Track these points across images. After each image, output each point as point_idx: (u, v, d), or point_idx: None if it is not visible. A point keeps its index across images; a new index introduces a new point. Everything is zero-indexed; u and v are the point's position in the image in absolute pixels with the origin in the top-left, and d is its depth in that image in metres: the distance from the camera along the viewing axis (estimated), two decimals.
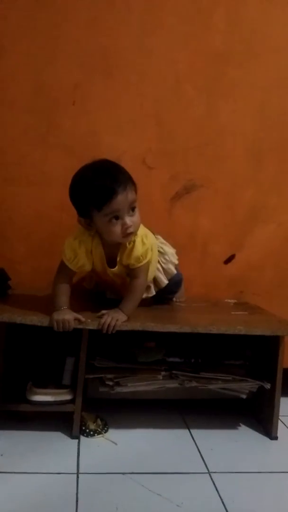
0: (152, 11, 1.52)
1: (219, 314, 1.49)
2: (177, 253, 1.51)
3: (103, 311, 1.29)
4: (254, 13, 1.57)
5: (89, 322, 1.27)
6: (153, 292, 1.44)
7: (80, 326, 1.27)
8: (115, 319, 1.26)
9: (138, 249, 1.28)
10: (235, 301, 1.68)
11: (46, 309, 1.30)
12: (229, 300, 1.68)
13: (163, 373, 1.39)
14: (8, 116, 1.52)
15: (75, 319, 1.26)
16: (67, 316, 1.25)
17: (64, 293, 1.30)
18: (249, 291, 1.71)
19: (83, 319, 1.27)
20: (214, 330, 1.32)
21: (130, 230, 1.21)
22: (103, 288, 1.48)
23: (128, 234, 1.22)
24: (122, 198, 1.18)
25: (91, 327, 1.27)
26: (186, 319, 1.36)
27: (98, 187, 1.18)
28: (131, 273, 1.32)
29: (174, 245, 1.54)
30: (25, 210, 1.56)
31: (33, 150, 1.54)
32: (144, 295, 1.40)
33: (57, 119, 1.53)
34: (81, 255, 1.27)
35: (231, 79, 1.59)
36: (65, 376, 1.36)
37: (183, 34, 1.54)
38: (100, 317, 1.27)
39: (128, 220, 1.20)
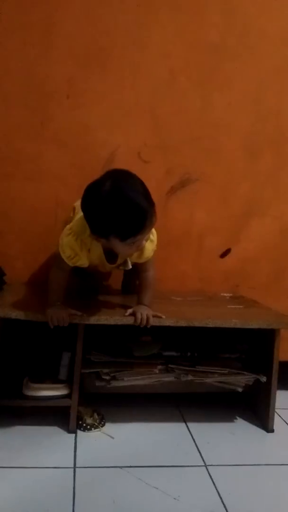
0: (147, 4, 1.51)
1: (215, 308, 1.49)
2: (172, 247, 1.50)
3: (130, 310, 1.30)
4: (249, 5, 1.56)
5: (85, 317, 1.27)
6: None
7: (76, 321, 1.27)
8: (145, 313, 1.28)
9: (148, 250, 1.29)
10: (231, 294, 1.68)
11: (42, 304, 1.30)
12: (225, 294, 1.68)
13: (159, 367, 1.39)
14: (1, 111, 1.50)
15: (70, 314, 1.25)
16: (61, 312, 1.25)
17: (59, 288, 1.30)
18: (245, 284, 1.71)
19: (78, 313, 1.26)
20: (210, 323, 1.32)
21: (142, 247, 1.22)
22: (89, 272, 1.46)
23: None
24: (147, 231, 1.16)
25: (86, 322, 1.27)
26: (182, 313, 1.36)
27: (127, 223, 1.11)
28: (141, 266, 1.35)
29: (169, 239, 1.54)
30: (20, 205, 1.56)
31: (27, 145, 1.53)
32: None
33: (51, 113, 1.52)
34: (81, 254, 1.25)
35: (226, 72, 1.58)
36: (61, 371, 1.36)
37: (178, 27, 1.53)
38: (132, 314, 1.29)
39: (144, 241, 1.20)
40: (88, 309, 1.30)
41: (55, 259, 1.31)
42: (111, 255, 1.30)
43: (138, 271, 1.37)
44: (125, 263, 1.34)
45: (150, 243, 1.29)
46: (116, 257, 1.31)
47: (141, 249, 1.26)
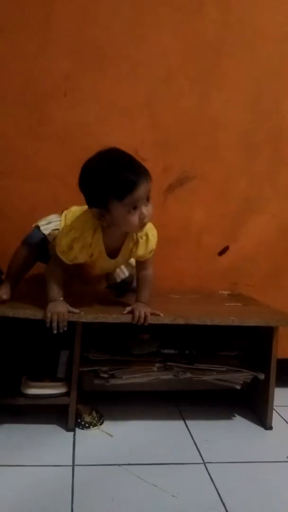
0: (144, 1, 1.50)
1: (213, 306, 1.50)
2: (170, 245, 1.51)
3: (128, 308, 1.30)
4: (247, 2, 1.56)
5: (83, 315, 1.26)
6: (125, 274, 1.47)
7: (74, 319, 1.26)
8: (143, 311, 1.28)
9: (152, 242, 1.31)
10: (229, 292, 1.68)
11: (39, 302, 1.30)
12: (223, 292, 1.68)
13: (157, 364, 1.39)
14: None
15: (69, 311, 1.25)
16: (61, 309, 1.24)
17: (57, 285, 1.29)
18: (243, 282, 1.72)
19: (77, 311, 1.26)
20: (208, 321, 1.32)
21: (146, 220, 1.21)
22: (80, 279, 1.46)
23: (144, 224, 1.22)
24: (143, 188, 1.17)
25: (84, 320, 1.27)
26: (180, 311, 1.36)
27: (122, 177, 1.15)
28: (141, 265, 1.35)
29: (168, 237, 1.54)
30: (18, 203, 1.55)
31: (24, 143, 1.53)
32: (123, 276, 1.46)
33: (48, 111, 1.52)
34: (76, 249, 1.25)
35: (224, 69, 1.58)
36: (59, 369, 1.36)
37: (175, 24, 1.53)
38: (130, 312, 1.29)
39: (144, 210, 1.20)
40: (86, 307, 1.30)
41: (52, 255, 1.30)
42: (112, 251, 1.30)
43: (137, 269, 1.38)
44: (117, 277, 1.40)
45: (153, 237, 1.30)
46: (117, 252, 1.31)
47: (144, 241, 1.28)
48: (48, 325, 1.23)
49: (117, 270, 1.46)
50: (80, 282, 1.45)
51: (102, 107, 1.54)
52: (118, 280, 1.48)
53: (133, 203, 1.17)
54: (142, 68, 1.54)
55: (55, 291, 1.28)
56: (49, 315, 1.23)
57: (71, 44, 1.49)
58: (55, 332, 1.23)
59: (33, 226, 1.36)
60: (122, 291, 1.49)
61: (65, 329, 1.24)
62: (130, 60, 1.53)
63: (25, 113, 1.51)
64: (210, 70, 1.57)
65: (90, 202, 1.22)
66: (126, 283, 1.48)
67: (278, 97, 1.62)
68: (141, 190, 1.16)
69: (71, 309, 1.26)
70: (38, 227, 1.35)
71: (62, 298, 1.28)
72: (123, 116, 1.55)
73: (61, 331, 1.24)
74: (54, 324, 1.23)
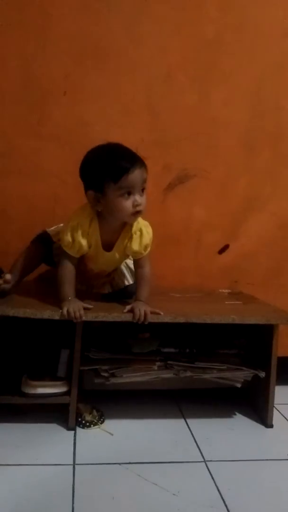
0: None
1: (214, 304, 1.49)
2: (171, 244, 1.51)
3: (128, 306, 1.30)
4: (246, 1, 1.55)
5: (88, 314, 1.27)
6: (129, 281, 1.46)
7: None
8: (143, 309, 1.28)
9: (146, 238, 1.32)
10: (229, 290, 1.68)
11: (40, 301, 1.30)
12: (223, 290, 1.68)
13: (158, 363, 1.39)
14: None
15: (84, 308, 1.26)
16: (76, 305, 1.25)
17: (69, 285, 1.30)
18: (243, 280, 1.71)
19: (90, 306, 1.28)
20: (208, 320, 1.32)
21: (140, 208, 1.24)
22: (85, 284, 1.47)
23: (137, 212, 1.25)
24: (138, 174, 1.22)
25: (85, 319, 1.27)
26: (181, 309, 1.35)
27: (118, 161, 1.21)
28: (138, 263, 1.37)
29: (168, 236, 1.54)
30: (17, 202, 1.55)
31: (24, 142, 1.52)
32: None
33: (48, 109, 1.52)
34: (77, 237, 1.27)
35: (223, 68, 1.58)
36: (60, 368, 1.35)
37: (175, 22, 1.53)
38: (131, 311, 1.29)
39: (139, 198, 1.23)
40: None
41: (61, 254, 1.31)
42: (108, 244, 1.32)
43: (134, 267, 1.39)
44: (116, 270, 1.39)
45: (147, 234, 1.32)
46: (112, 245, 1.32)
47: (138, 236, 1.30)
48: (66, 317, 1.24)
49: (121, 276, 1.46)
50: (84, 286, 1.46)
51: (102, 106, 1.53)
52: (122, 285, 1.47)
53: (127, 187, 1.21)
54: (142, 67, 1.54)
55: (67, 291, 1.29)
56: (65, 310, 1.24)
57: (71, 43, 1.49)
58: (76, 321, 1.25)
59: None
60: (126, 298, 1.49)
61: (83, 319, 1.25)
62: (130, 59, 1.53)
63: (25, 112, 1.51)
64: (210, 68, 1.57)
65: (87, 185, 1.26)
66: (130, 292, 1.45)
67: (278, 95, 1.62)
68: (136, 175, 1.21)
69: (85, 305, 1.27)
70: (45, 230, 1.41)
71: (75, 297, 1.29)
72: (123, 114, 1.55)
73: (79, 320, 1.25)
74: (73, 315, 1.24)
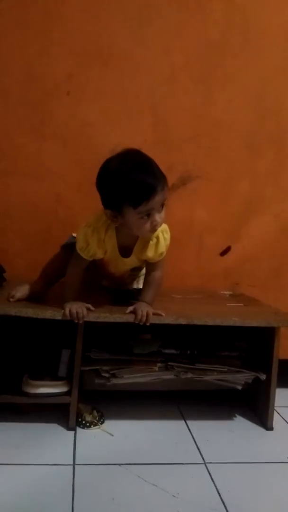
0: (147, 0, 1.50)
1: (215, 306, 1.49)
2: (173, 245, 1.50)
3: (130, 307, 1.30)
4: (251, 2, 1.55)
5: (90, 315, 1.27)
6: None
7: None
8: (145, 310, 1.27)
9: (162, 245, 1.31)
10: (231, 292, 1.68)
11: (42, 301, 1.30)
12: (224, 292, 1.68)
13: (159, 364, 1.39)
14: (1, 107, 1.50)
15: (86, 308, 1.27)
16: (79, 306, 1.26)
17: (74, 284, 1.31)
18: (244, 282, 1.71)
19: (92, 308, 1.28)
20: (210, 321, 1.32)
21: (158, 226, 1.23)
22: (101, 278, 1.48)
23: (155, 230, 1.23)
24: (159, 198, 1.17)
25: (86, 319, 1.27)
26: (182, 311, 1.35)
27: (138, 185, 1.14)
28: (151, 266, 1.36)
29: (170, 237, 1.53)
30: (20, 202, 1.55)
31: (27, 142, 1.53)
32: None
33: (51, 110, 1.52)
34: (92, 244, 1.26)
35: (227, 69, 1.58)
36: (61, 368, 1.36)
37: (179, 23, 1.53)
38: (133, 312, 1.28)
39: (157, 217, 1.20)
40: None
41: (73, 254, 1.31)
42: (125, 249, 1.31)
43: (146, 270, 1.38)
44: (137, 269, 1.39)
45: (164, 240, 1.31)
46: (130, 252, 1.31)
47: (154, 243, 1.29)
48: (68, 318, 1.24)
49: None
50: (106, 282, 1.48)
51: (105, 106, 1.53)
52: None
53: (147, 211, 1.18)
54: (145, 67, 1.54)
55: (71, 292, 1.30)
56: (67, 311, 1.24)
57: (74, 43, 1.49)
58: (77, 322, 1.25)
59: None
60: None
61: (85, 319, 1.25)
62: (133, 60, 1.53)
63: (28, 112, 1.51)
64: (213, 70, 1.57)
65: (105, 204, 1.22)
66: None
67: (282, 97, 1.62)
68: (156, 200, 1.16)
69: (87, 305, 1.27)
70: (72, 235, 1.38)
71: (76, 300, 1.29)
72: (126, 115, 1.55)
73: (81, 321, 1.25)
74: (75, 315, 1.24)
